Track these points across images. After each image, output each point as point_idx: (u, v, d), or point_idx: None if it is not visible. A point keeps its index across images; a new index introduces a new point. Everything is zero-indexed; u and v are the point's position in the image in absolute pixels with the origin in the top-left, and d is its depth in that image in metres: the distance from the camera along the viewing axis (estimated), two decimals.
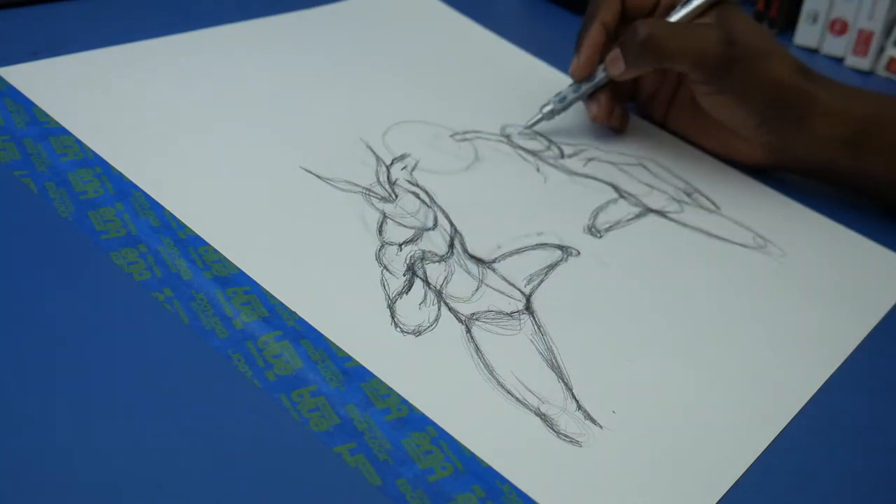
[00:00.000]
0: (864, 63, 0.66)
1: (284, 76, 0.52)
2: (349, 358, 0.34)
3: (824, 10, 0.68)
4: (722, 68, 0.46)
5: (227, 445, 0.30)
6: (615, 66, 0.49)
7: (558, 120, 0.52)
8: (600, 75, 0.50)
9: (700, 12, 0.48)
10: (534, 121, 0.51)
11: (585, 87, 0.51)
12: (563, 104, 0.50)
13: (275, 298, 0.36)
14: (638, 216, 0.46)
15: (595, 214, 0.45)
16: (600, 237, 0.44)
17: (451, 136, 0.50)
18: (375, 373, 0.34)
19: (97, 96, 0.47)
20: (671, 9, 0.50)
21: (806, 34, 0.69)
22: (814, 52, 0.69)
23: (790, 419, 0.35)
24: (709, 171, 0.51)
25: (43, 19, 0.54)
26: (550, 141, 0.51)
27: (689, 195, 0.48)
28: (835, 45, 0.68)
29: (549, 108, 0.50)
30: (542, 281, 0.40)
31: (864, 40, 0.66)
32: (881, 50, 0.67)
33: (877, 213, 0.49)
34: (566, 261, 0.42)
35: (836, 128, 0.47)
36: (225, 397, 0.32)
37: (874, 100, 0.48)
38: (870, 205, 0.50)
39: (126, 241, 0.38)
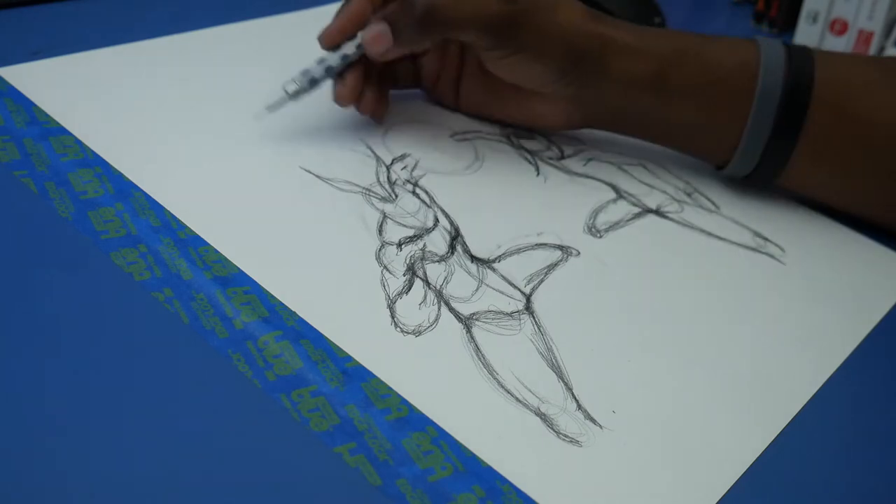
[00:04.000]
0: None
1: (285, 76, 0.52)
2: (349, 358, 0.34)
3: (824, 10, 0.68)
4: (509, 28, 0.43)
5: (227, 445, 0.30)
6: (379, 44, 0.43)
7: None
8: (349, 47, 0.44)
9: None
10: (276, 102, 0.44)
11: (331, 61, 0.44)
12: (308, 80, 0.45)
13: (275, 298, 0.36)
14: (638, 216, 0.46)
15: (595, 214, 0.45)
16: (600, 237, 0.44)
17: (451, 136, 0.50)
18: (375, 373, 0.34)
19: (97, 96, 0.47)
20: None
21: (806, 34, 0.69)
22: None
23: (790, 419, 0.35)
24: (709, 170, 0.51)
25: (43, 19, 0.54)
26: (550, 141, 0.51)
27: (689, 195, 0.48)
28: (835, 46, 0.68)
29: (293, 87, 0.44)
30: (542, 281, 0.40)
31: (864, 40, 0.66)
32: (881, 50, 0.67)
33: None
34: (566, 261, 0.42)
35: (635, 67, 0.45)
36: (225, 397, 0.32)
37: (674, 37, 0.46)
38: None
39: (126, 241, 0.38)
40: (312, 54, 0.55)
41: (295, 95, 0.44)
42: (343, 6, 0.45)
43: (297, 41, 0.57)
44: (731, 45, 0.46)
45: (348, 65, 0.45)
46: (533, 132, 0.51)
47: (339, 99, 0.46)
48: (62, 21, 0.54)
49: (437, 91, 0.51)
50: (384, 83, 0.48)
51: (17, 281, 0.35)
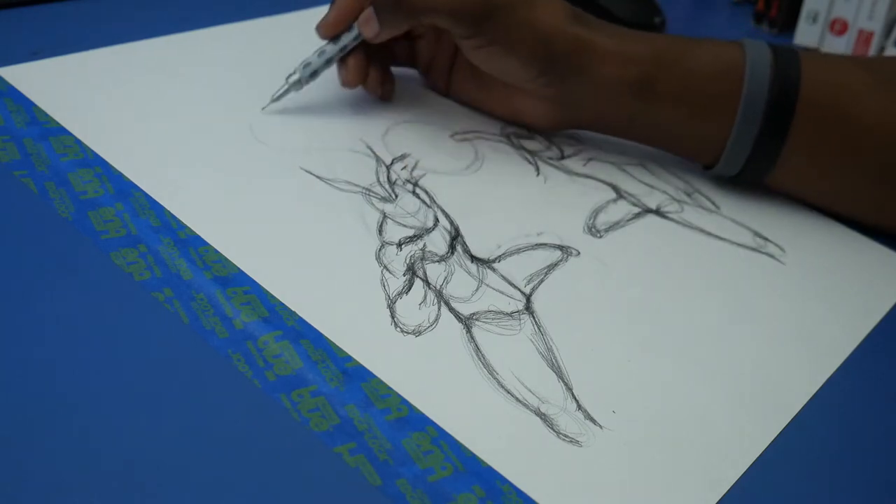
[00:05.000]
0: None
1: (285, 76, 0.52)
2: (349, 358, 0.34)
3: (824, 10, 0.68)
4: (481, 17, 0.43)
5: (227, 445, 0.30)
6: (369, 28, 0.46)
7: None
8: (346, 37, 0.47)
9: None
10: (280, 92, 0.47)
11: (331, 52, 0.47)
12: (309, 72, 0.47)
13: (275, 298, 0.36)
14: (638, 216, 0.46)
15: (595, 214, 0.45)
16: (600, 237, 0.44)
17: (451, 136, 0.50)
18: (375, 373, 0.34)
19: (97, 96, 0.47)
20: None
21: (806, 34, 0.69)
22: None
23: (790, 419, 0.35)
24: None
25: (43, 19, 0.54)
26: (550, 141, 0.51)
27: (689, 195, 0.48)
28: (835, 45, 0.68)
29: (295, 77, 0.47)
30: (542, 281, 0.40)
31: (864, 40, 0.66)
32: (881, 50, 0.67)
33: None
34: (566, 261, 0.42)
35: (618, 72, 0.45)
36: (225, 397, 0.32)
37: (657, 41, 0.46)
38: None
39: (126, 241, 0.38)
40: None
41: (297, 85, 0.46)
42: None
43: (297, 41, 0.57)
44: (716, 49, 0.46)
45: (346, 51, 0.47)
46: (533, 132, 0.51)
47: (345, 83, 0.48)
48: (62, 21, 0.54)
49: (431, 76, 0.52)
50: (384, 62, 0.50)
51: (17, 281, 0.35)
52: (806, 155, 0.45)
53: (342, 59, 0.48)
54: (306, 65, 0.47)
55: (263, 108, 0.47)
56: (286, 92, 0.47)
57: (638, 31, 0.47)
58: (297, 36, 0.57)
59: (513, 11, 0.44)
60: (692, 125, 0.46)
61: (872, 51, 0.66)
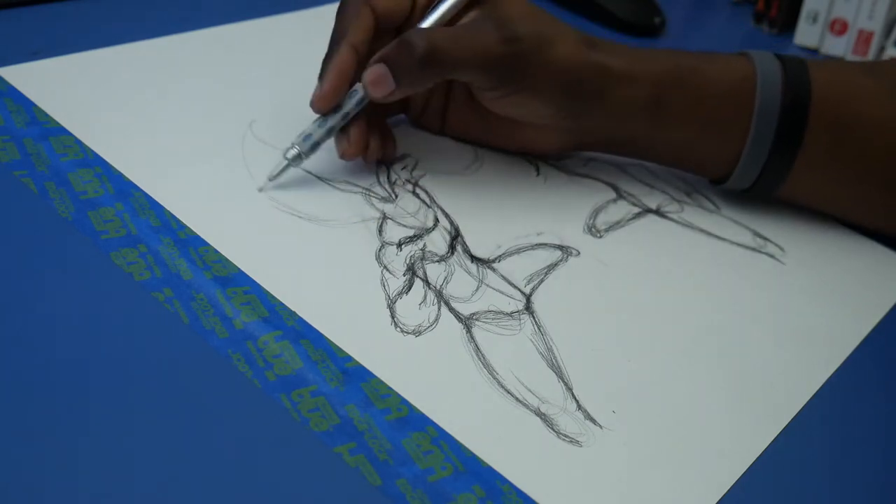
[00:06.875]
0: None
1: (284, 76, 0.52)
2: (349, 358, 0.34)
3: (824, 10, 0.68)
4: (509, 69, 0.41)
5: (227, 445, 0.30)
6: (381, 87, 0.41)
7: None
8: (350, 104, 0.42)
9: (460, 8, 0.43)
10: (279, 170, 0.42)
11: (333, 121, 0.42)
12: (310, 145, 0.42)
13: (275, 298, 0.36)
14: (638, 216, 0.46)
15: (595, 214, 0.45)
16: (600, 237, 0.44)
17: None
18: (375, 373, 0.34)
19: (97, 96, 0.47)
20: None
21: (806, 34, 0.69)
22: (814, 51, 0.69)
23: (790, 419, 0.35)
24: None
25: (43, 19, 0.54)
26: None
27: (689, 195, 0.48)
28: (835, 45, 0.68)
29: (293, 152, 0.42)
30: (542, 281, 0.40)
31: (864, 40, 0.66)
32: (881, 50, 0.67)
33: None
34: (566, 261, 0.42)
35: (630, 94, 0.44)
36: (225, 397, 0.32)
37: (666, 58, 0.45)
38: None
39: (126, 241, 0.38)
40: (312, 54, 0.55)
41: (296, 160, 0.42)
42: (327, 64, 0.42)
43: (297, 41, 0.57)
44: (726, 63, 0.45)
45: (349, 119, 0.43)
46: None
47: (345, 156, 0.43)
48: (62, 21, 0.54)
49: (423, 119, 0.49)
50: (381, 120, 0.46)
51: (17, 281, 0.35)
52: (818, 165, 0.45)
53: (342, 129, 0.43)
54: (306, 137, 0.42)
55: (261, 189, 0.42)
56: (285, 169, 0.42)
57: (646, 49, 0.46)
58: (297, 36, 0.57)
59: (537, 55, 0.41)
60: (703, 141, 0.45)
61: (872, 51, 0.66)
